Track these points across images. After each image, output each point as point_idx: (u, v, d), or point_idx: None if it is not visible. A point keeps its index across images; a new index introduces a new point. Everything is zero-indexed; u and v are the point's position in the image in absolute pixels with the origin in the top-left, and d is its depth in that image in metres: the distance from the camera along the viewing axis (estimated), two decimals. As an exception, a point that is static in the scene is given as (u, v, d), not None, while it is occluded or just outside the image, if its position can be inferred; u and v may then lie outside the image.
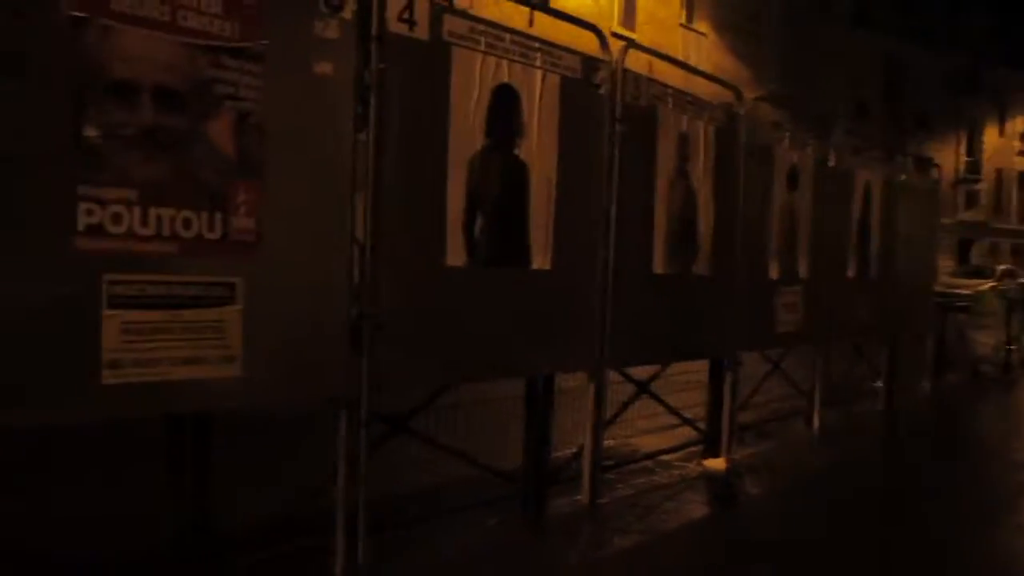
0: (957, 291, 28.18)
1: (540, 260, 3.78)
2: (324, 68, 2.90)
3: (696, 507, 4.39)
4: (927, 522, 4.33)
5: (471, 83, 3.42)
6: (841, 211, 6.69)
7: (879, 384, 7.59)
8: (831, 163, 6.50)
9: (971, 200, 35.04)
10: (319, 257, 2.96)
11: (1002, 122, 36.31)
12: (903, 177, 7.73)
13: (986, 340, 9.75)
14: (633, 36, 18.87)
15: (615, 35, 17.49)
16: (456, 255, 3.41)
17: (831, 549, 3.81)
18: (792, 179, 5.92)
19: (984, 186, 35.51)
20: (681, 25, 23.65)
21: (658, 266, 4.51)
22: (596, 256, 4.09)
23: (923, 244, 8.53)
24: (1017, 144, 37.01)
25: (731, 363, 5.24)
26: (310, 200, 2.91)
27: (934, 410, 8.12)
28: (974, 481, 5.33)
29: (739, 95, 5.40)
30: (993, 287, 26.43)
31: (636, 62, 4.34)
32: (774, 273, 5.70)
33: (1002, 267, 29.10)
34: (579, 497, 4.13)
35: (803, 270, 6.02)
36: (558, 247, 3.84)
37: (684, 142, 4.71)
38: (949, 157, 34.15)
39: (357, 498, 3.05)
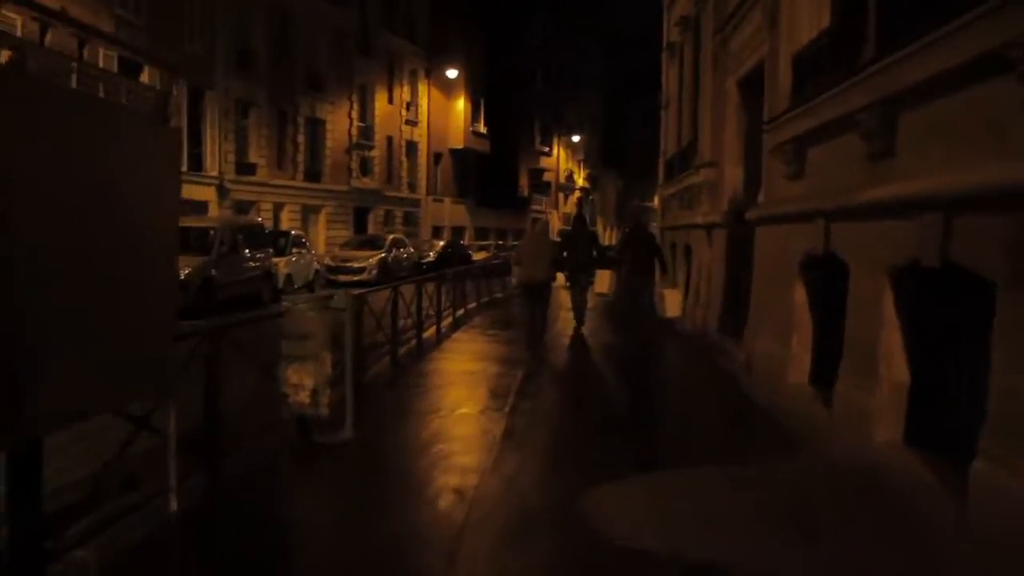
0: (349, 264, 26.40)
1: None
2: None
3: None
4: None
5: None
6: None
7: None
8: None
9: (365, 167, 34.10)
10: None
11: (391, 89, 36.18)
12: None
13: (300, 379, 5.88)
14: None
15: None
16: None
17: None
18: None
19: (376, 153, 34.94)
20: None
21: None
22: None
23: (145, 224, 3.99)
24: (404, 112, 37.42)
25: None
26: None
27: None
28: None
29: None
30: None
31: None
32: None
33: (392, 236, 28.11)
34: None
35: None
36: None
37: None
38: (342, 121, 32.49)
39: None
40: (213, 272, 15.45)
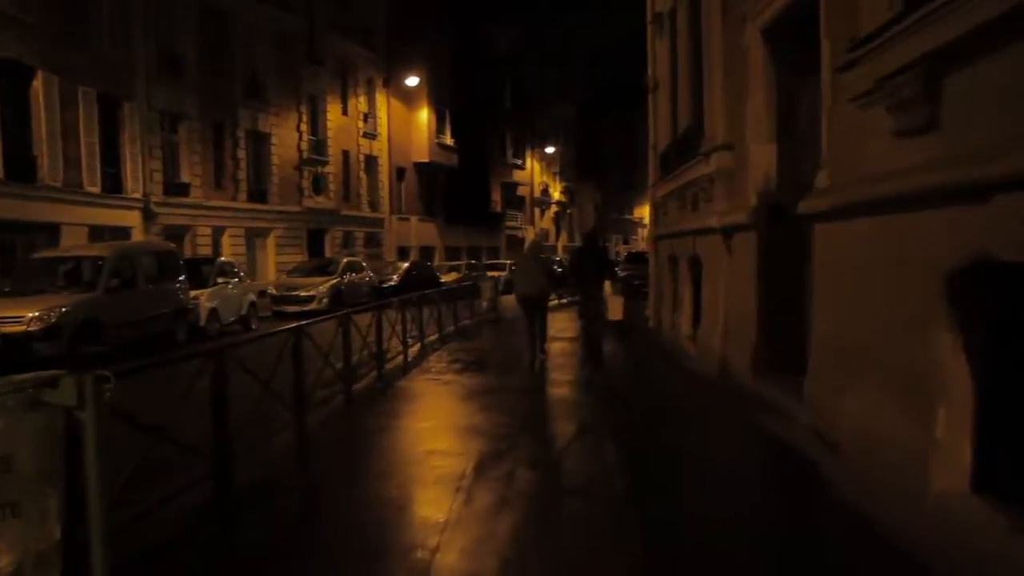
0: (295, 293, 23.11)
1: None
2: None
3: None
4: None
5: None
6: None
7: None
8: None
9: (318, 184, 30.92)
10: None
11: (345, 99, 33.11)
12: None
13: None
14: None
15: None
16: None
17: None
18: None
19: (331, 169, 31.78)
20: None
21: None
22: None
23: None
24: (361, 125, 34.33)
25: None
26: None
27: None
28: None
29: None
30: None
31: None
32: None
33: (346, 259, 25.01)
34: None
35: None
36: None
37: None
38: (290, 135, 29.37)
39: None
40: (98, 312, 12.26)
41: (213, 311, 16.24)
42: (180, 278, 15.21)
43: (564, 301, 22.05)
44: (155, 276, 14.35)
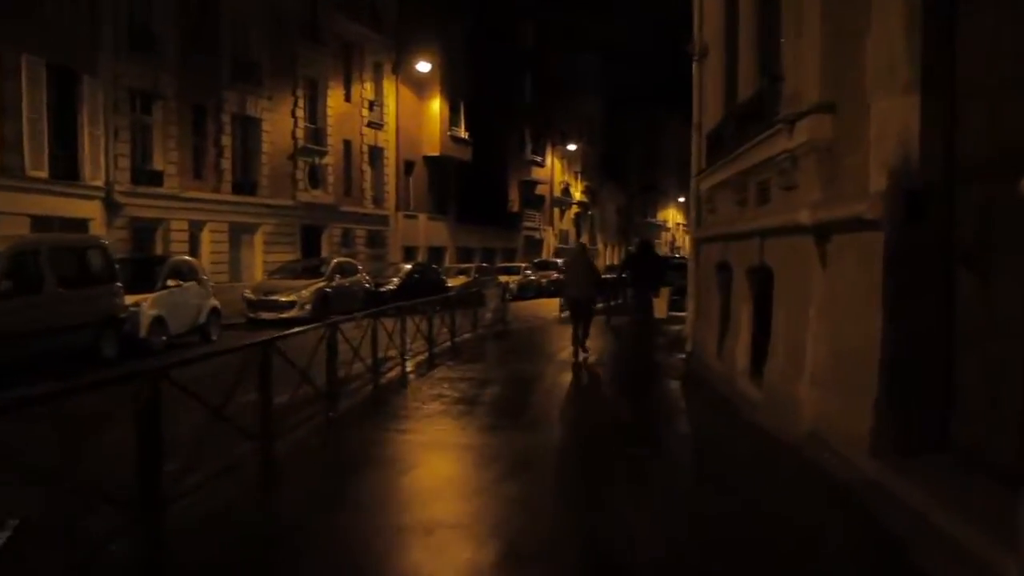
0: (274, 298, 20.30)
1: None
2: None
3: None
4: None
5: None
6: None
7: None
8: None
9: (314, 177, 28.15)
10: None
11: (348, 84, 30.34)
12: None
13: None
14: None
15: None
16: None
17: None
18: None
19: (330, 160, 29.02)
20: None
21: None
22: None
23: None
24: (366, 113, 31.52)
25: None
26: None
27: None
28: None
29: None
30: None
31: None
32: None
33: (336, 260, 22.22)
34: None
35: None
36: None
37: None
38: (284, 121, 26.66)
39: None
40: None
41: (158, 320, 13.48)
42: (114, 280, 12.48)
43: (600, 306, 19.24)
44: (75, 278, 11.63)
